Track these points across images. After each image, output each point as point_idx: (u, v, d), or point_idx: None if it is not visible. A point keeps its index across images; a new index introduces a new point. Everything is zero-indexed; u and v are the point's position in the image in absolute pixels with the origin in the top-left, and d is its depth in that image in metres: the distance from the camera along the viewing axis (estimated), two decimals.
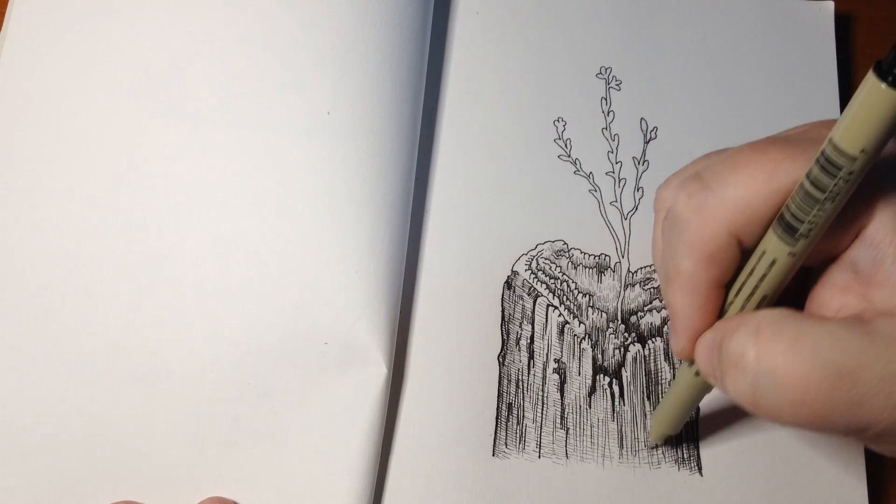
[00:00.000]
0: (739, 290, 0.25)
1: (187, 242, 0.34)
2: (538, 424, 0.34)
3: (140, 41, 0.36)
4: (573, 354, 0.35)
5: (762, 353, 0.22)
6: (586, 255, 0.37)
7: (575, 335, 0.36)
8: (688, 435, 0.34)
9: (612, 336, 0.36)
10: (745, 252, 0.25)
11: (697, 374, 0.27)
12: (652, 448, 0.34)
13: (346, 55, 0.36)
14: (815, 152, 0.21)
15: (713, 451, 0.34)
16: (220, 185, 0.35)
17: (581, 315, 0.36)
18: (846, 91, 0.41)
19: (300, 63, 0.36)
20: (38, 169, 0.35)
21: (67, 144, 0.35)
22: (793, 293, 0.26)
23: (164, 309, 0.34)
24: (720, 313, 0.26)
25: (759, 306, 0.24)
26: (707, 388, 0.28)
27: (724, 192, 0.24)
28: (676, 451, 0.34)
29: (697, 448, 0.34)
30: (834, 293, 0.24)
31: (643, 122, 0.39)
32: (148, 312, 0.33)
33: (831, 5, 0.42)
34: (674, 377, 0.35)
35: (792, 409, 0.22)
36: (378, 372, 0.33)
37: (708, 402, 0.34)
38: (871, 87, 0.19)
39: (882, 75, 0.18)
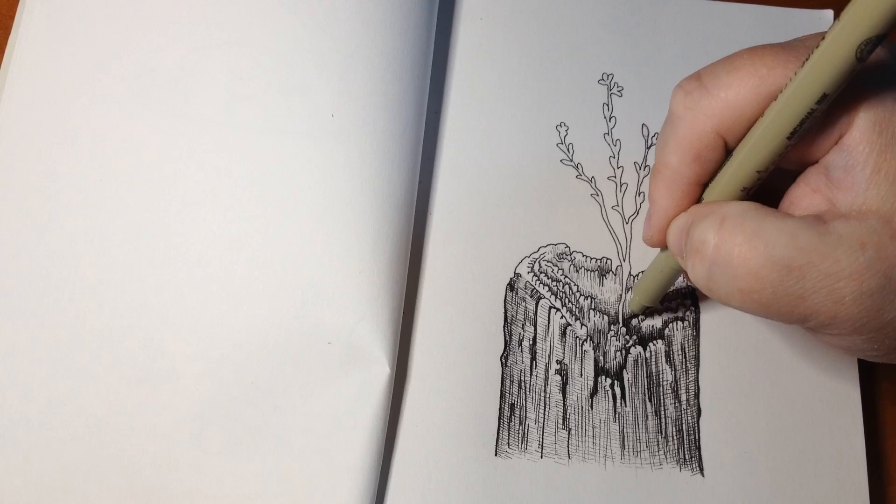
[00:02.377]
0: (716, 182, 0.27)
1: (192, 243, 0.35)
2: (540, 425, 0.34)
3: (146, 45, 0.37)
4: (575, 356, 0.35)
5: (721, 242, 0.24)
6: (588, 259, 0.37)
7: (577, 337, 0.36)
8: (689, 435, 0.34)
9: (613, 338, 0.36)
10: (728, 153, 0.26)
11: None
12: (629, 317, 0.36)
13: (350, 58, 0.36)
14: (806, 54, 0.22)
15: (715, 451, 0.34)
16: (224, 186, 0.35)
17: (583, 317, 0.36)
18: None
19: (304, 66, 0.36)
20: (45, 170, 0.35)
21: (74, 146, 0.36)
22: (769, 194, 0.27)
23: (168, 309, 0.34)
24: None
25: (735, 197, 0.26)
26: (679, 268, 0.30)
27: (717, 92, 0.25)
28: (678, 452, 0.34)
29: (699, 449, 0.34)
30: (805, 193, 0.25)
31: (644, 127, 0.40)
32: (152, 312, 0.34)
33: (830, 13, 0.42)
34: (674, 378, 0.35)
35: (741, 296, 0.24)
36: (381, 371, 0.33)
37: (709, 403, 0.35)
38: None
39: None
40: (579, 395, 0.35)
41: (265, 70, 0.36)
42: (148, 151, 0.36)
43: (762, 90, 0.24)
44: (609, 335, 0.36)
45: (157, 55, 0.37)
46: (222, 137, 0.36)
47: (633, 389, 0.35)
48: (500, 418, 0.34)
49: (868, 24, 0.21)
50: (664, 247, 0.30)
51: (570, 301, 0.36)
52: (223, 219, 0.35)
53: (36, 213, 0.35)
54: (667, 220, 0.28)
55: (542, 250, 0.37)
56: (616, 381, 0.35)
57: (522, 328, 0.36)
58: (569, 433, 0.34)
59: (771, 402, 0.35)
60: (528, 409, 0.35)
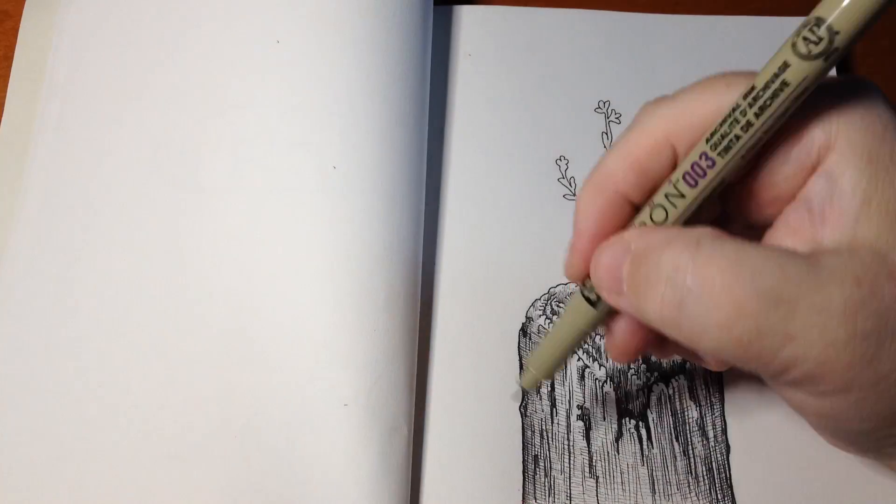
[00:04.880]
0: (653, 203, 0.23)
1: (204, 309, 0.34)
2: (567, 475, 0.33)
3: (158, 121, 0.37)
4: (596, 399, 0.35)
5: (700, 268, 0.20)
6: None
7: (596, 379, 0.35)
8: (720, 474, 0.33)
9: (634, 377, 0.35)
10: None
11: (591, 302, 0.25)
12: (519, 401, 0.33)
13: (351, 109, 0.36)
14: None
15: (747, 489, 0.33)
16: (233, 251, 0.35)
17: (601, 358, 0.35)
18: None
19: (307, 121, 0.36)
20: (55, 242, 0.35)
21: (91, 221, 0.36)
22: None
23: (183, 380, 0.33)
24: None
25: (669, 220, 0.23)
26: (594, 324, 0.25)
27: (677, 100, 0.23)
28: (710, 492, 0.33)
29: (731, 487, 0.33)
30: (785, 235, 0.22)
31: None
32: (170, 389, 0.33)
33: None
34: (700, 415, 0.34)
35: (718, 332, 0.20)
36: (401, 433, 0.32)
37: (737, 438, 0.33)
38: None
39: None
40: (604, 440, 0.34)
41: (269, 129, 0.36)
42: (161, 226, 0.35)
43: (720, 103, 0.21)
44: (630, 374, 0.35)
45: (168, 129, 0.37)
46: (229, 202, 0.35)
47: (659, 429, 0.34)
48: (524, 471, 0.33)
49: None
50: (584, 282, 0.26)
51: (585, 342, 0.35)
52: (234, 284, 0.34)
53: (49, 310, 0.34)
54: (592, 242, 0.24)
55: (552, 291, 0.36)
56: (641, 422, 0.34)
57: None
58: (596, 481, 0.33)
59: (803, 433, 0.33)
60: (552, 460, 0.34)
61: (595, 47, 0.41)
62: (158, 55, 0.38)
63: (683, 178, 0.22)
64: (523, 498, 0.33)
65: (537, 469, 0.33)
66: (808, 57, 0.18)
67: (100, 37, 0.39)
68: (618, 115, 0.40)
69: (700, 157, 0.21)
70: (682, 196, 0.22)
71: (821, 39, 0.18)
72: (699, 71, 0.40)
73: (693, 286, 0.20)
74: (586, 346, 0.35)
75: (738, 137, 0.20)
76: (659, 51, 0.41)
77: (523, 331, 0.36)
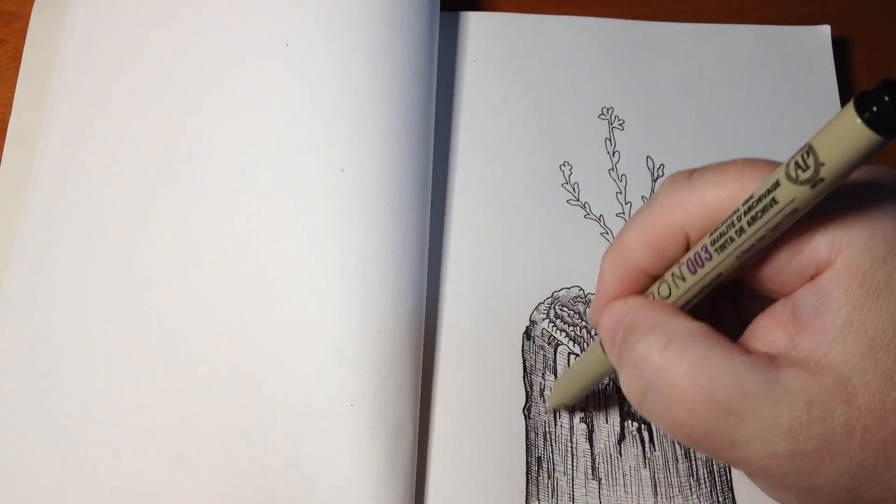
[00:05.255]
0: (662, 279, 0.25)
1: (209, 308, 0.34)
2: (570, 477, 0.34)
3: (167, 124, 0.37)
4: (599, 402, 0.35)
5: (664, 367, 0.22)
6: None
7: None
8: (721, 476, 0.34)
9: None
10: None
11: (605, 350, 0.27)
12: (549, 414, 0.35)
13: (360, 112, 0.36)
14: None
15: (747, 492, 0.33)
16: (242, 253, 0.35)
17: None
18: None
19: (315, 123, 0.36)
20: (63, 242, 0.35)
21: (102, 223, 0.36)
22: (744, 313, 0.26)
23: (190, 379, 0.33)
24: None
25: (679, 297, 0.24)
26: (609, 370, 0.28)
27: (699, 188, 0.23)
28: (711, 495, 0.33)
29: (731, 490, 0.33)
30: (769, 326, 0.23)
31: (649, 160, 0.39)
32: (178, 389, 0.33)
33: (828, 29, 0.42)
34: None
35: (672, 426, 0.22)
36: (406, 434, 0.33)
37: None
38: (846, 117, 0.17)
39: (860, 109, 0.17)
40: (607, 443, 0.34)
41: (277, 131, 0.36)
42: (169, 226, 0.36)
43: (741, 197, 0.22)
44: None
45: (176, 130, 0.37)
46: (238, 204, 0.35)
47: (661, 432, 0.34)
48: (527, 473, 0.34)
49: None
50: None
51: (588, 344, 0.36)
52: (241, 285, 0.34)
53: (57, 309, 0.35)
54: (607, 299, 0.26)
55: (555, 295, 0.37)
56: (643, 425, 0.35)
57: (543, 377, 0.35)
58: (599, 483, 0.34)
59: None
60: (555, 462, 0.34)
61: (599, 54, 0.41)
62: (167, 56, 0.38)
63: (686, 263, 0.23)
64: (526, 499, 0.33)
65: (540, 471, 0.34)
66: (795, 181, 0.19)
67: (108, 38, 0.39)
68: (621, 122, 0.40)
69: (701, 249, 0.22)
70: (684, 280, 0.23)
71: (808, 167, 0.18)
72: (702, 79, 0.41)
73: (655, 381, 0.22)
74: None
75: (731, 240, 0.21)
76: (662, 58, 0.42)
77: (527, 334, 0.36)
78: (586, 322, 0.36)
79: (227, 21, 0.38)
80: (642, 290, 0.26)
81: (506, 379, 0.35)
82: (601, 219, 0.38)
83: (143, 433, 0.33)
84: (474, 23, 0.42)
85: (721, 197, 0.22)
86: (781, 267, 0.22)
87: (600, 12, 0.43)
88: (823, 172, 0.18)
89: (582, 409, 0.35)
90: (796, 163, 0.19)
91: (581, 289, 0.37)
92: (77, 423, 0.33)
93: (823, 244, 0.21)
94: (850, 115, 0.17)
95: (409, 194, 0.36)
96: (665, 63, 0.42)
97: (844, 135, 0.17)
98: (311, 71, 0.37)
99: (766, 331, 0.23)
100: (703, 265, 0.23)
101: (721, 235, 0.22)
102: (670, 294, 0.24)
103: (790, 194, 0.19)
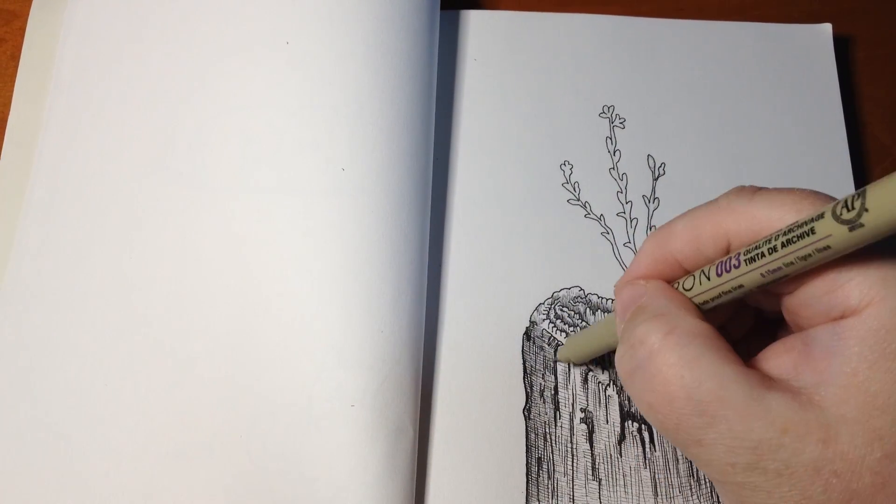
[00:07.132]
0: (695, 274, 0.25)
1: (209, 307, 0.34)
2: (570, 477, 0.34)
3: (165, 119, 0.37)
4: (599, 402, 0.35)
5: (656, 353, 0.23)
6: (604, 300, 0.37)
7: (599, 382, 0.35)
8: None
9: None
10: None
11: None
12: (556, 361, 0.36)
13: (361, 110, 0.36)
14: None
15: None
16: (241, 252, 0.35)
17: (604, 361, 0.36)
18: (850, 113, 0.41)
19: (315, 122, 0.36)
20: (62, 240, 0.35)
21: (99, 220, 0.36)
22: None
23: (189, 378, 0.33)
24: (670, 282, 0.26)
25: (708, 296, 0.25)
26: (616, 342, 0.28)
27: (755, 201, 0.23)
28: (712, 495, 0.33)
29: None
30: (780, 350, 0.23)
31: (650, 158, 0.39)
32: (178, 389, 0.33)
33: (829, 27, 0.42)
34: None
35: (647, 409, 0.24)
36: (407, 434, 0.33)
37: None
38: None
39: None
40: (607, 443, 0.34)
41: (277, 129, 0.36)
42: (168, 225, 0.36)
43: (790, 220, 0.22)
44: None
45: (176, 129, 0.37)
46: (237, 203, 0.35)
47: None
48: (527, 473, 0.34)
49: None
50: None
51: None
52: (241, 285, 0.34)
53: (56, 308, 0.35)
54: (635, 275, 0.27)
55: (555, 295, 0.37)
56: (643, 425, 0.34)
57: (543, 378, 0.35)
58: (599, 483, 0.34)
59: None
60: (555, 462, 0.34)
61: (600, 52, 0.41)
62: (166, 55, 0.38)
63: (717, 265, 0.24)
64: (527, 500, 0.33)
65: (541, 471, 0.34)
66: (838, 219, 0.19)
67: (107, 36, 0.39)
68: (622, 120, 0.40)
69: (734, 256, 0.23)
70: (709, 279, 0.24)
71: (853, 209, 0.18)
72: (703, 76, 0.41)
73: (644, 364, 0.23)
74: None
75: (762, 255, 0.22)
76: (663, 56, 0.41)
77: (527, 335, 0.36)
78: (586, 322, 0.36)
79: (226, 19, 0.38)
80: (669, 281, 0.26)
81: (506, 379, 0.35)
82: (602, 218, 0.38)
83: (142, 433, 0.33)
84: (474, 21, 0.42)
85: (773, 216, 0.23)
86: (810, 302, 0.22)
87: (601, 10, 0.43)
88: (865, 219, 0.18)
89: (582, 409, 0.35)
90: (845, 202, 0.19)
91: (581, 289, 0.37)
92: (77, 423, 0.33)
93: (857, 292, 0.21)
94: None
95: (410, 193, 0.36)
96: (666, 61, 0.41)
97: None
98: (312, 69, 0.37)
99: (775, 354, 0.23)
100: (730, 271, 0.23)
101: (756, 248, 0.22)
102: (692, 288, 0.25)
103: (828, 230, 0.19)
